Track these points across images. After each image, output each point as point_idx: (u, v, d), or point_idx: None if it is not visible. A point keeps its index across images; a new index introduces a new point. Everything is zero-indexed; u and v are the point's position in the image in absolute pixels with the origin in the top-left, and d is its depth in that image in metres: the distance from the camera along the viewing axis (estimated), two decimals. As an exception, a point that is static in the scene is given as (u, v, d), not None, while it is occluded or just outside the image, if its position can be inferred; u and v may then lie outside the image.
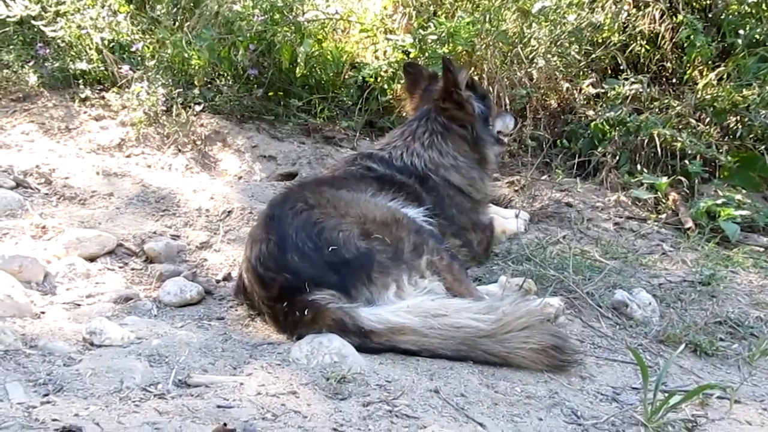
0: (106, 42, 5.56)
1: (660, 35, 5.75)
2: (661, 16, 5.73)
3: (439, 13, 5.94)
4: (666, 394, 2.48)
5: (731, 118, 5.48)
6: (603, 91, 5.65)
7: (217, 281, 3.63)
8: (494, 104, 4.48)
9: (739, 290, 3.86)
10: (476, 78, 5.43)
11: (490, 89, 5.39)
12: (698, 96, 5.46)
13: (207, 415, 2.14)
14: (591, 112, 5.61)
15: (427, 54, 5.46)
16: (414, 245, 3.17)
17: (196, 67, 5.54)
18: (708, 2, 5.91)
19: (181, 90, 5.48)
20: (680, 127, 5.34)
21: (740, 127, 5.44)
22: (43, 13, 5.49)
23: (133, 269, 3.68)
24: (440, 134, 4.01)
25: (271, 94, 5.70)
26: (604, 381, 2.85)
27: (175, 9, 5.73)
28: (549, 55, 5.65)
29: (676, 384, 2.87)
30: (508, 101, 5.55)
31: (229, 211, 4.33)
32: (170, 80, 5.47)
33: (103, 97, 5.57)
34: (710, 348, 3.19)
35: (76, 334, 2.78)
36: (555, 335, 2.88)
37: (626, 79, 5.54)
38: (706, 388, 2.58)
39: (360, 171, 3.81)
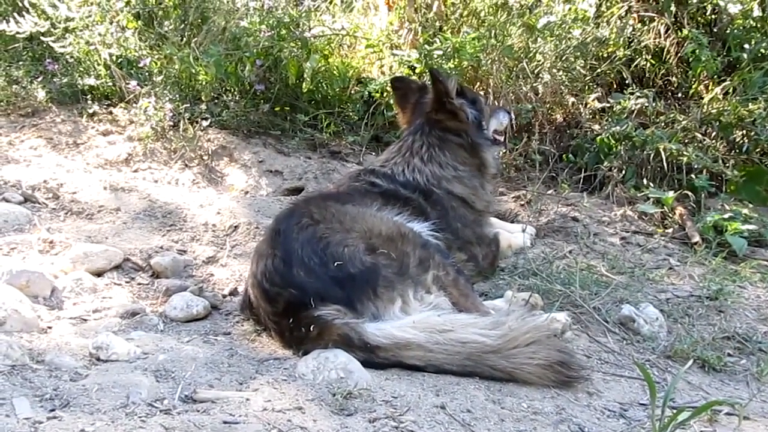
0: (114, 58, 5.60)
1: (665, 50, 5.76)
2: (666, 31, 5.74)
3: (445, 28, 5.97)
4: (674, 411, 2.45)
5: (737, 132, 5.48)
6: (609, 105, 5.66)
7: (224, 296, 3.63)
8: (485, 105, 4.38)
9: (747, 305, 3.84)
10: (482, 92, 5.47)
11: (496, 103, 5.41)
12: (704, 110, 5.46)
13: (213, 431, 2.13)
14: (597, 127, 5.61)
15: (432, 69, 5.49)
16: (420, 260, 3.17)
17: (203, 83, 5.57)
18: (713, 17, 5.92)
19: (188, 105, 5.51)
20: (686, 141, 5.33)
21: (746, 141, 5.43)
22: (52, 29, 5.54)
23: (139, 284, 3.69)
24: (437, 146, 4.01)
25: (277, 109, 5.73)
26: (612, 397, 2.83)
27: (182, 25, 5.78)
28: (554, 70, 5.67)
29: (684, 400, 2.85)
30: (513, 116, 5.55)
31: (235, 226, 4.34)
32: (177, 95, 5.50)
33: (110, 113, 5.61)
34: (718, 363, 3.17)
35: (82, 349, 2.78)
36: (561, 351, 2.87)
37: (632, 93, 5.54)
38: (714, 404, 2.55)
39: (364, 186, 3.82)
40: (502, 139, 4.52)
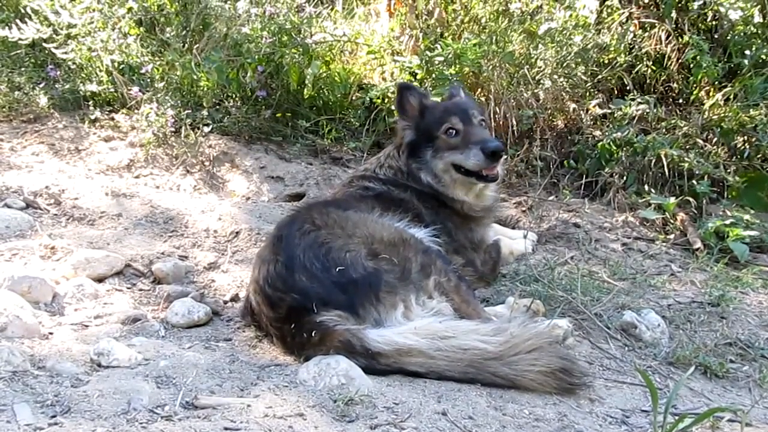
0: (116, 64, 5.62)
1: (666, 56, 5.77)
2: (667, 37, 5.75)
3: (446, 34, 5.98)
4: (676, 417, 2.45)
5: (738, 138, 5.48)
6: (610, 111, 5.67)
7: (225, 302, 3.63)
8: (459, 137, 3.85)
9: (749, 311, 3.83)
10: (483, 99, 5.46)
11: (497, 110, 5.42)
12: (705, 116, 5.46)
13: (214, 437, 2.13)
14: (598, 133, 5.62)
15: (434, 75, 5.50)
16: (421, 266, 3.17)
17: (205, 89, 5.58)
18: (714, 23, 5.94)
19: (190, 111, 5.53)
20: (687, 147, 5.33)
21: (748, 147, 5.43)
22: (54, 35, 5.56)
23: (141, 290, 3.69)
24: (397, 147, 4.10)
25: (279, 115, 5.74)
26: (614, 403, 2.82)
27: (184, 31, 5.80)
28: (555, 76, 5.68)
29: (686, 407, 2.85)
30: (515, 122, 5.56)
31: (236, 232, 4.34)
32: (179, 102, 5.52)
33: (112, 119, 5.62)
34: (720, 370, 3.16)
35: (83, 355, 2.78)
36: (563, 357, 2.86)
37: (633, 99, 5.55)
38: (716, 410, 2.55)
39: (359, 192, 3.88)
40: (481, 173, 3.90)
